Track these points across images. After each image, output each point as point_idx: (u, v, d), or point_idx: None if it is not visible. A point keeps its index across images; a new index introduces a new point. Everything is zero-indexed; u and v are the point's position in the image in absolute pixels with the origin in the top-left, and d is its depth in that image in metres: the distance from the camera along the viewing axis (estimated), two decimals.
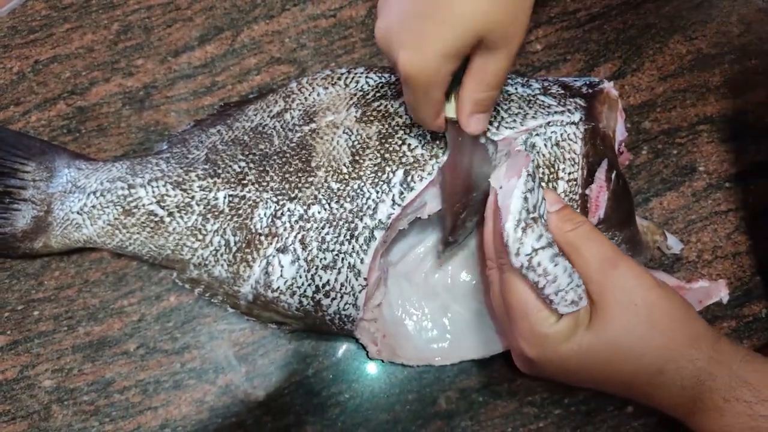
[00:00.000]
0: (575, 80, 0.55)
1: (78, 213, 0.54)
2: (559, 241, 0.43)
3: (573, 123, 0.51)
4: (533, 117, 0.50)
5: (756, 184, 0.61)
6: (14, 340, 0.56)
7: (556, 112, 0.51)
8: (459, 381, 0.56)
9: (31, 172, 0.55)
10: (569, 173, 0.50)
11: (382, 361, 0.56)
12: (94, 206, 0.54)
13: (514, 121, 0.50)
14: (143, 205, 0.54)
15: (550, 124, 0.50)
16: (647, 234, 0.56)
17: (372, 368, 0.57)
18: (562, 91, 0.53)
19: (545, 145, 0.50)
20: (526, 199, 0.41)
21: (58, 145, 0.58)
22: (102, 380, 0.56)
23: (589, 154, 0.50)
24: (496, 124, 0.50)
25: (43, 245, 0.55)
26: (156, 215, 0.53)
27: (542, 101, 0.52)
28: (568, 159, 0.50)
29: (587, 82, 0.55)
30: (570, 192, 0.49)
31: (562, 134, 0.50)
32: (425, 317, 0.56)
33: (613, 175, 0.50)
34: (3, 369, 0.55)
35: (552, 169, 0.50)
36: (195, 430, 0.55)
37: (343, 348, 0.57)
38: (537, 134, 0.50)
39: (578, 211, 0.49)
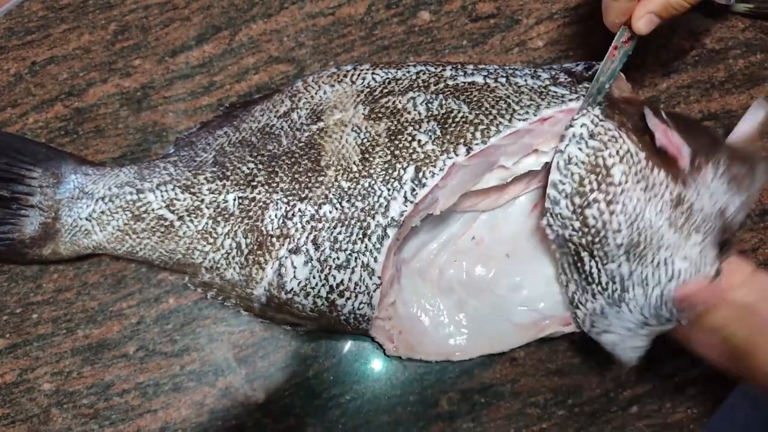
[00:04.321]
0: (576, 65, 0.55)
1: (87, 219, 0.54)
2: None
3: (589, 112, 0.50)
4: (547, 107, 0.50)
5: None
6: (13, 343, 0.56)
7: (570, 100, 0.50)
8: (461, 382, 0.56)
9: (37, 178, 0.54)
10: (618, 151, 0.48)
11: (400, 359, 0.55)
12: (102, 212, 0.54)
13: (527, 112, 0.50)
14: (152, 210, 0.53)
15: (571, 125, 0.49)
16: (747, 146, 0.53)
17: (373, 369, 0.56)
18: (570, 79, 0.53)
19: (581, 149, 0.48)
20: None
21: (63, 151, 0.58)
22: (101, 383, 0.55)
23: (624, 121, 0.49)
24: (507, 116, 0.49)
25: (51, 252, 0.55)
26: (166, 219, 0.53)
27: (555, 92, 0.51)
28: (609, 140, 0.48)
29: (585, 66, 0.55)
30: (633, 164, 0.47)
31: (585, 125, 0.49)
32: (441, 313, 0.56)
33: (664, 115, 0.50)
34: (2, 372, 0.55)
35: (599, 165, 0.48)
36: None
37: (343, 349, 0.57)
38: (568, 144, 0.48)
39: (661, 169, 0.47)
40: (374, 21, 0.63)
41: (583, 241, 0.48)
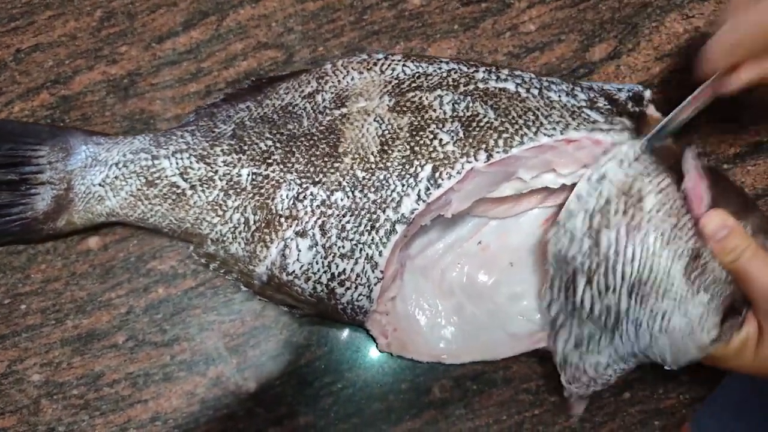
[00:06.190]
0: (619, 89, 0.53)
1: (100, 185, 0.54)
2: (726, 269, 0.46)
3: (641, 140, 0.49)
4: (575, 129, 0.49)
5: (755, 164, 0.60)
6: (2, 334, 0.55)
7: (601, 130, 0.49)
8: (453, 369, 0.55)
9: (45, 155, 0.54)
10: (658, 183, 0.47)
11: (391, 355, 0.55)
12: (116, 177, 0.54)
13: (554, 128, 0.49)
14: (166, 176, 0.53)
15: (615, 144, 0.48)
16: None
17: (365, 358, 0.56)
18: (609, 106, 0.51)
19: (621, 169, 0.47)
20: None
21: (68, 126, 0.57)
22: (91, 374, 0.55)
23: (666, 160, 0.48)
24: (534, 129, 0.49)
25: (66, 223, 0.55)
26: (178, 187, 0.53)
27: (588, 115, 0.50)
28: (653, 171, 0.47)
29: (631, 95, 0.53)
30: (669, 200, 0.47)
31: (634, 148, 0.48)
32: (438, 315, 0.55)
33: (703, 162, 0.48)
34: None
35: (633, 189, 0.47)
36: (186, 423, 0.54)
37: (336, 338, 0.56)
38: (610, 159, 0.48)
39: (685, 210, 0.47)
40: (364, 5, 0.62)
41: (586, 265, 0.47)
